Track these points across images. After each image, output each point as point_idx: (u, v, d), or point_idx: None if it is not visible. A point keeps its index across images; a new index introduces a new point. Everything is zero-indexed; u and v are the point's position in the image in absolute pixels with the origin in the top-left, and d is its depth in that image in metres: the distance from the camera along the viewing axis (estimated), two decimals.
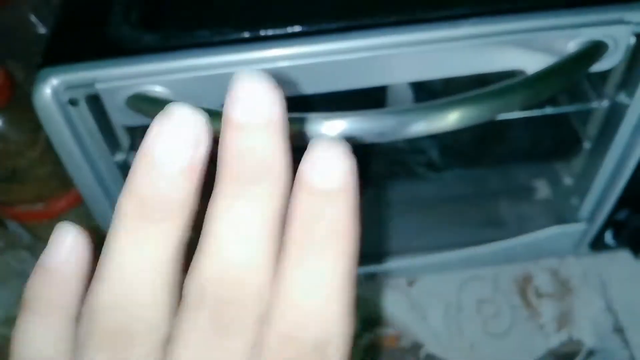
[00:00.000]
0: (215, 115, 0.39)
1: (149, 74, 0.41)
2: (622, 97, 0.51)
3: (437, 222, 0.69)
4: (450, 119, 0.38)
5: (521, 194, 0.70)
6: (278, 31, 0.42)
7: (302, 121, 0.38)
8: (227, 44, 0.41)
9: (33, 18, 0.77)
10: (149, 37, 0.42)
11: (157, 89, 0.41)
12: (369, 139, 0.38)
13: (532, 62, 0.43)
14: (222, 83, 0.42)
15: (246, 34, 0.42)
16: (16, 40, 0.76)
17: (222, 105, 0.23)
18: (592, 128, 0.57)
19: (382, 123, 0.38)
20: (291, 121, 0.35)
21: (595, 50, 0.42)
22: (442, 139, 0.64)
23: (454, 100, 0.39)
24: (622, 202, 0.58)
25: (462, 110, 0.39)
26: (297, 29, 0.42)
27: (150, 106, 0.41)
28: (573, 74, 0.41)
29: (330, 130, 0.37)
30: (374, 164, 0.65)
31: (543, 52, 0.43)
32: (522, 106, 0.40)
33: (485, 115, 0.39)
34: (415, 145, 0.66)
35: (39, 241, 0.71)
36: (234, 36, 0.42)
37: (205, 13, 0.46)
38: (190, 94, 0.42)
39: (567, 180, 0.64)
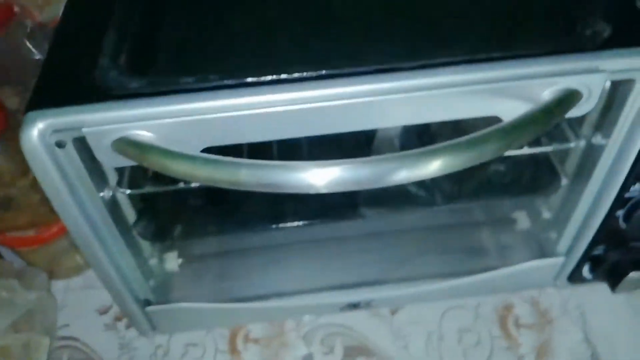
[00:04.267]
0: (195, 160, 0.40)
1: (135, 119, 0.42)
2: (599, 138, 0.52)
3: (420, 251, 0.70)
4: (429, 169, 0.39)
5: (502, 224, 0.72)
6: (260, 79, 0.43)
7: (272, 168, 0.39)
8: (211, 90, 0.42)
9: (28, 44, 0.78)
10: (135, 82, 0.42)
11: (143, 133, 0.42)
12: (345, 187, 0.39)
13: (507, 110, 0.45)
14: (206, 128, 0.43)
15: (230, 81, 0.43)
16: (11, 67, 0.76)
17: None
18: (570, 166, 0.58)
19: (358, 173, 0.39)
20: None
21: (570, 98, 0.44)
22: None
23: (431, 151, 0.40)
24: (599, 238, 0.59)
25: (439, 160, 0.40)
26: (282, 76, 0.43)
27: (135, 150, 0.42)
28: (547, 123, 0.43)
29: (306, 180, 0.38)
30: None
31: (518, 100, 0.44)
32: (498, 155, 0.41)
33: (461, 164, 0.40)
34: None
35: (30, 267, 0.72)
36: (218, 83, 0.42)
37: (190, 60, 0.47)
38: (175, 138, 0.43)
39: (546, 214, 0.65)
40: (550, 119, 0.43)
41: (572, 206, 0.58)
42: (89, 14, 0.51)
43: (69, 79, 0.45)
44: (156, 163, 0.41)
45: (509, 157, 0.56)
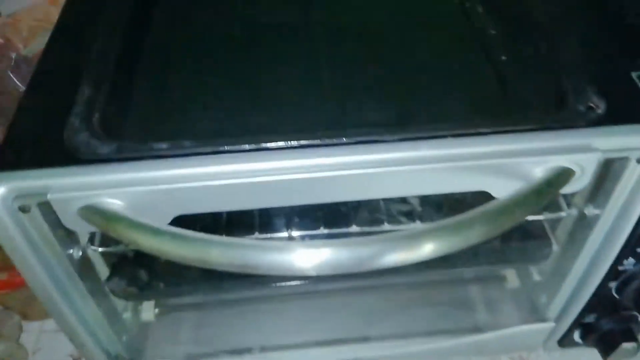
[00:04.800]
0: (164, 236, 0.38)
1: (104, 186, 0.40)
2: (591, 209, 0.50)
3: (407, 308, 0.68)
4: (414, 255, 0.37)
5: (491, 281, 0.69)
6: (238, 147, 0.41)
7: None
8: (185, 157, 0.40)
9: (12, 76, 0.76)
10: (106, 146, 0.40)
11: (112, 202, 0.40)
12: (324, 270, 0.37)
13: (497, 186, 0.43)
14: (180, 196, 0.41)
15: (205, 149, 0.41)
16: None
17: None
18: (562, 233, 0.56)
19: (338, 258, 0.37)
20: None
21: (562, 177, 0.42)
22: None
23: (417, 235, 0.38)
24: (590, 307, 0.57)
25: (426, 245, 0.38)
26: (261, 145, 0.41)
27: (102, 220, 0.40)
28: (538, 204, 0.41)
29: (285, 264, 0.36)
30: None
31: (509, 177, 0.42)
32: (487, 237, 0.39)
33: (448, 249, 0.38)
34: None
35: (2, 310, 0.69)
36: (193, 150, 0.40)
37: (164, 124, 0.45)
38: (147, 207, 0.40)
39: (537, 277, 0.63)
40: (542, 199, 0.41)
41: (564, 273, 0.56)
42: (67, 58, 0.49)
43: (37, 138, 0.43)
44: (123, 236, 0.39)
45: None
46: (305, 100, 0.47)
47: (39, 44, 0.73)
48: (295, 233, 0.54)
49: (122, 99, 0.46)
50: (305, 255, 0.36)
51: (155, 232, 0.38)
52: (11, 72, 0.77)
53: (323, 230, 0.53)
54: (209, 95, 0.47)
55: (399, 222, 0.54)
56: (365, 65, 0.52)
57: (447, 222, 0.38)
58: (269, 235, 0.54)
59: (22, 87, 0.75)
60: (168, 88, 0.48)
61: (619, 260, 0.52)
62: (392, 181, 0.42)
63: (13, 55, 0.76)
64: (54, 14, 0.60)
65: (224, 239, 0.38)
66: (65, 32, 0.52)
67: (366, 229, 0.53)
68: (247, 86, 0.49)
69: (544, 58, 0.49)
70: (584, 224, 0.52)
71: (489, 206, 0.39)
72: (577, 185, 0.44)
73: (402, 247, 0.37)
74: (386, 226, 0.53)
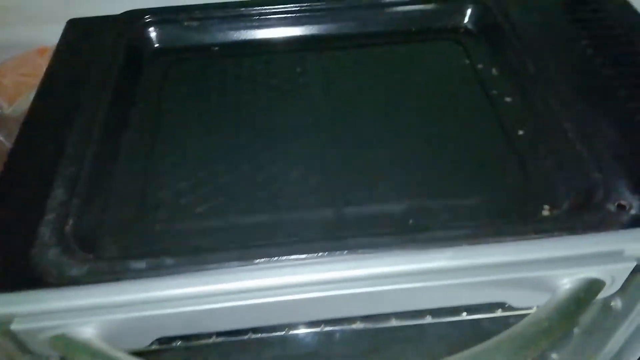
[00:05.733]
0: None
1: (75, 314, 0.35)
2: (618, 302, 0.46)
3: None
4: None
5: None
6: (225, 264, 0.36)
7: None
8: (166, 277, 0.36)
9: None
10: (77, 267, 0.36)
11: (86, 330, 0.36)
12: None
13: (518, 298, 0.38)
14: (161, 321, 0.36)
15: (188, 267, 0.36)
16: None
17: None
18: (586, 318, 0.51)
19: None
20: None
21: (592, 291, 0.37)
22: None
23: None
24: None
25: None
26: (253, 262, 0.36)
27: (72, 352, 0.35)
28: (566, 326, 0.36)
29: None
30: None
31: (532, 289, 0.38)
32: None
33: None
34: None
35: None
36: (174, 269, 0.36)
37: (142, 238, 0.40)
38: (123, 334, 0.36)
39: (554, 355, 0.58)
40: (569, 320, 0.36)
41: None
42: (42, 149, 0.45)
43: (1, 255, 0.38)
44: None
45: None
46: (302, 197, 0.43)
47: (24, 102, 0.69)
48: (329, 328, 0.49)
49: (98, 203, 0.41)
50: None
51: None
52: None
53: (359, 325, 0.48)
54: (191, 198, 0.43)
55: (443, 315, 0.49)
56: (372, 149, 0.47)
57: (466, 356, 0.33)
58: (301, 331, 0.49)
59: (9, 145, 0.71)
60: (148, 189, 0.44)
61: None
62: (401, 297, 0.37)
63: None
64: (43, 66, 0.56)
65: None
66: (39, 121, 0.48)
67: (407, 322, 0.48)
68: (235, 186, 0.44)
69: (566, 138, 0.44)
70: (610, 315, 0.47)
71: (513, 338, 0.34)
72: (605, 293, 0.39)
73: None
74: (428, 319, 0.48)
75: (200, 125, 0.50)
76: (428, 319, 0.47)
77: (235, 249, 0.37)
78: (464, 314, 0.47)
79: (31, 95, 0.52)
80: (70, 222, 0.39)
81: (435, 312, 0.47)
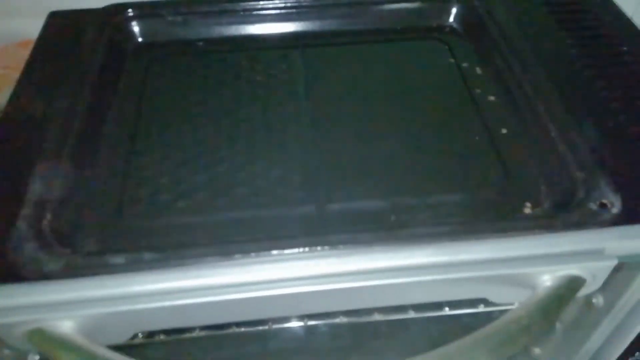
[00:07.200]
0: None
1: (53, 308, 0.35)
2: (600, 300, 0.46)
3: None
4: None
5: None
6: (205, 259, 0.36)
7: None
8: (146, 272, 0.35)
9: None
10: (54, 261, 0.35)
11: (63, 324, 0.35)
12: None
13: (499, 294, 0.38)
14: (139, 316, 0.36)
15: (168, 262, 0.36)
16: None
17: None
18: (569, 314, 0.52)
19: None
20: None
21: (572, 288, 0.37)
22: None
23: None
24: None
25: None
26: (234, 256, 0.36)
27: (50, 346, 0.35)
28: (544, 324, 0.36)
29: None
30: None
31: (513, 285, 0.38)
32: None
33: None
34: None
35: None
36: (154, 264, 0.36)
37: (122, 231, 0.40)
38: (102, 328, 0.36)
39: (537, 350, 0.59)
40: (549, 318, 0.36)
41: (568, 356, 0.52)
42: (19, 147, 0.44)
43: None
44: None
45: None
46: (284, 194, 0.42)
47: (7, 95, 0.67)
48: (313, 322, 0.49)
49: (77, 199, 0.41)
50: None
51: None
52: None
53: (343, 320, 0.48)
54: (172, 194, 0.42)
55: (426, 310, 0.48)
56: (354, 146, 0.47)
57: (446, 353, 0.33)
58: (283, 325, 0.49)
59: None
60: (128, 185, 0.43)
61: (629, 352, 0.47)
62: (382, 293, 0.37)
63: None
64: (25, 58, 0.55)
65: None
66: (17, 114, 0.47)
67: (389, 317, 0.48)
68: (217, 183, 0.44)
69: (549, 137, 0.44)
70: (591, 312, 0.47)
71: (491, 335, 0.34)
72: (586, 290, 0.39)
73: None
74: (411, 314, 0.48)
75: (182, 121, 0.50)
76: (411, 314, 0.47)
77: (215, 244, 0.37)
78: (447, 309, 0.47)
79: (7, 94, 0.51)
80: (48, 217, 0.38)
81: (418, 307, 0.47)
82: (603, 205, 0.39)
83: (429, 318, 0.47)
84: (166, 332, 0.47)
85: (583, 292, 0.39)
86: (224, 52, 0.59)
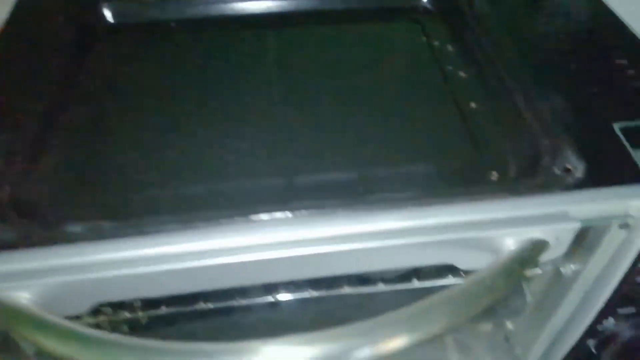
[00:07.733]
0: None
1: (8, 277, 0.34)
2: (568, 268, 0.46)
3: None
4: (384, 347, 0.32)
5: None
6: (163, 227, 0.35)
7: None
8: (104, 241, 0.35)
9: None
10: (10, 231, 0.35)
11: (20, 295, 0.34)
12: None
13: (464, 259, 0.38)
14: (97, 286, 0.35)
15: (127, 230, 0.35)
16: None
17: None
18: (538, 285, 0.52)
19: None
20: None
21: (535, 251, 0.37)
22: None
23: (381, 326, 0.33)
24: None
25: (392, 339, 0.33)
26: (194, 224, 0.36)
27: (9, 318, 0.34)
28: (507, 285, 0.36)
29: None
30: None
31: (477, 249, 0.38)
32: (454, 326, 0.34)
33: (412, 341, 0.33)
34: None
35: None
36: (112, 232, 0.35)
37: (80, 200, 0.39)
38: (60, 299, 0.35)
39: (510, 326, 0.59)
40: (511, 280, 0.36)
41: (540, 327, 0.52)
42: None
43: None
44: (29, 336, 0.33)
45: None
46: (252, 167, 0.42)
47: None
48: (282, 297, 0.49)
49: (39, 173, 0.40)
50: None
51: (76, 338, 0.32)
52: None
53: (312, 293, 0.48)
54: (137, 168, 0.42)
55: (394, 282, 0.48)
56: (322, 116, 0.47)
57: (409, 313, 0.33)
58: (251, 300, 0.49)
59: None
60: (93, 160, 0.43)
61: (598, 319, 0.47)
62: (347, 259, 0.37)
63: None
64: None
65: (153, 344, 0.32)
66: None
67: (359, 290, 0.48)
68: (185, 157, 0.43)
69: (516, 109, 0.44)
70: (560, 281, 0.47)
71: (454, 295, 0.34)
72: (551, 254, 0.39)
73: (372, 341, 0.32)
74: (381, 286, 0.47)
75: (152, 99, 0.49)
76: (380, 287, 0.47)
77: (177, 213, 0.36)
78: (415, 280, 0.47)
79: None
80: (7, 189, 0.37)
81: (387, 280, 0.47)
82: (567, 170, 0.39)
83: (398, 290, 0.47)
84: (132, 308, 0.46)
85: (548, 256, 0.39)
86: (196, 32, 0.58)
